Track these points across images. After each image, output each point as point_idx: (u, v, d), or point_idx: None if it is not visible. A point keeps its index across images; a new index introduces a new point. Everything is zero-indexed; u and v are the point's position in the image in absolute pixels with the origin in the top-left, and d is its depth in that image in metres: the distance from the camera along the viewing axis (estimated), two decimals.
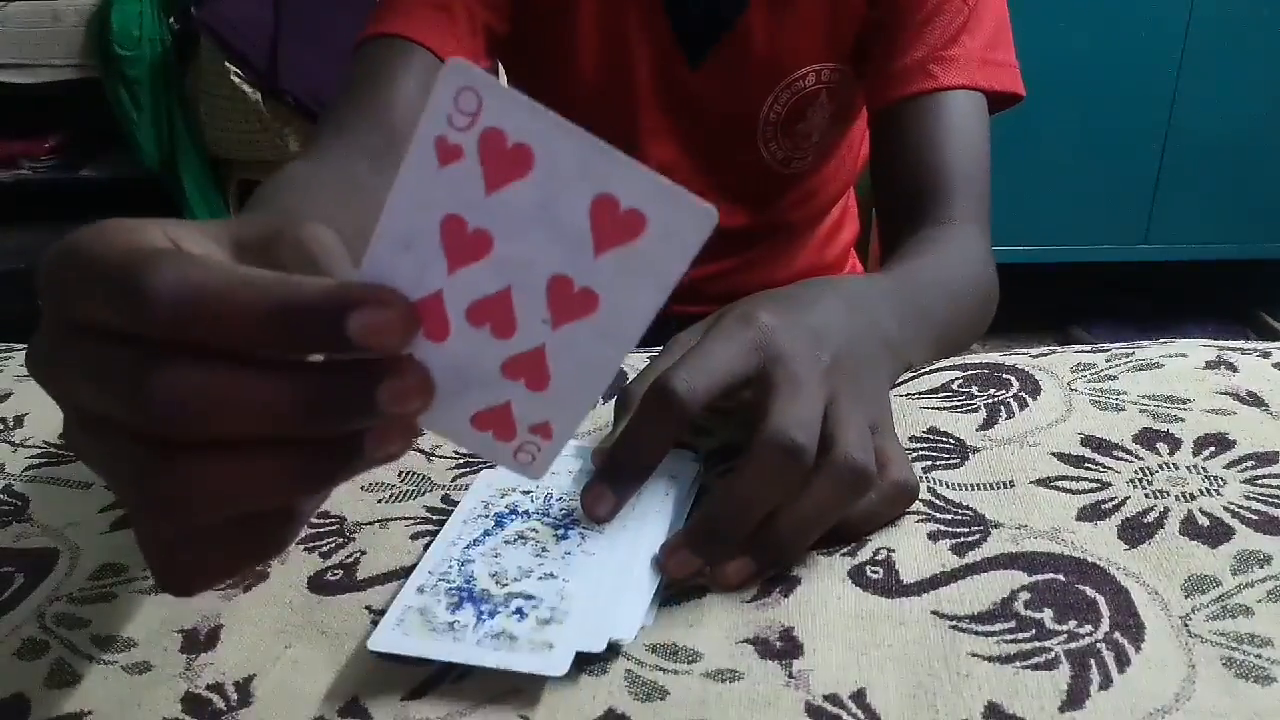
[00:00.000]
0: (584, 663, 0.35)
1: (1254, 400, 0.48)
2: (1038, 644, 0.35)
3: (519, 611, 0.36)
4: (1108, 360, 0.52)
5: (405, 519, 0.44)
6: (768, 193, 0.82)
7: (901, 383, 0.53)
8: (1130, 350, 0.53)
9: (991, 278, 0.67)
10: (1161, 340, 0.54)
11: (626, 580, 0.38)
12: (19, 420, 0.55)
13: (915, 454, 0.46)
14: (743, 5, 0.72)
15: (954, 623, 0.36)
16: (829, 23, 0.73)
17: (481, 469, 0.47)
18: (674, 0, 0.73)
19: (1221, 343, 0.53)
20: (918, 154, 0.68)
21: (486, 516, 0.42)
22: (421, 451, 0.49)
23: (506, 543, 0.41)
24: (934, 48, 0.69)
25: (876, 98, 0.72)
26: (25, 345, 0.65)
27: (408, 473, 0.48)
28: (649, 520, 0.42)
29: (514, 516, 0.42)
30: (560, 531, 0.41)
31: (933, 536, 0.41)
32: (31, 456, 0.51)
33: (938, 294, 0.58)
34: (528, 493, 0.44)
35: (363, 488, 0.47)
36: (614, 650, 0.36)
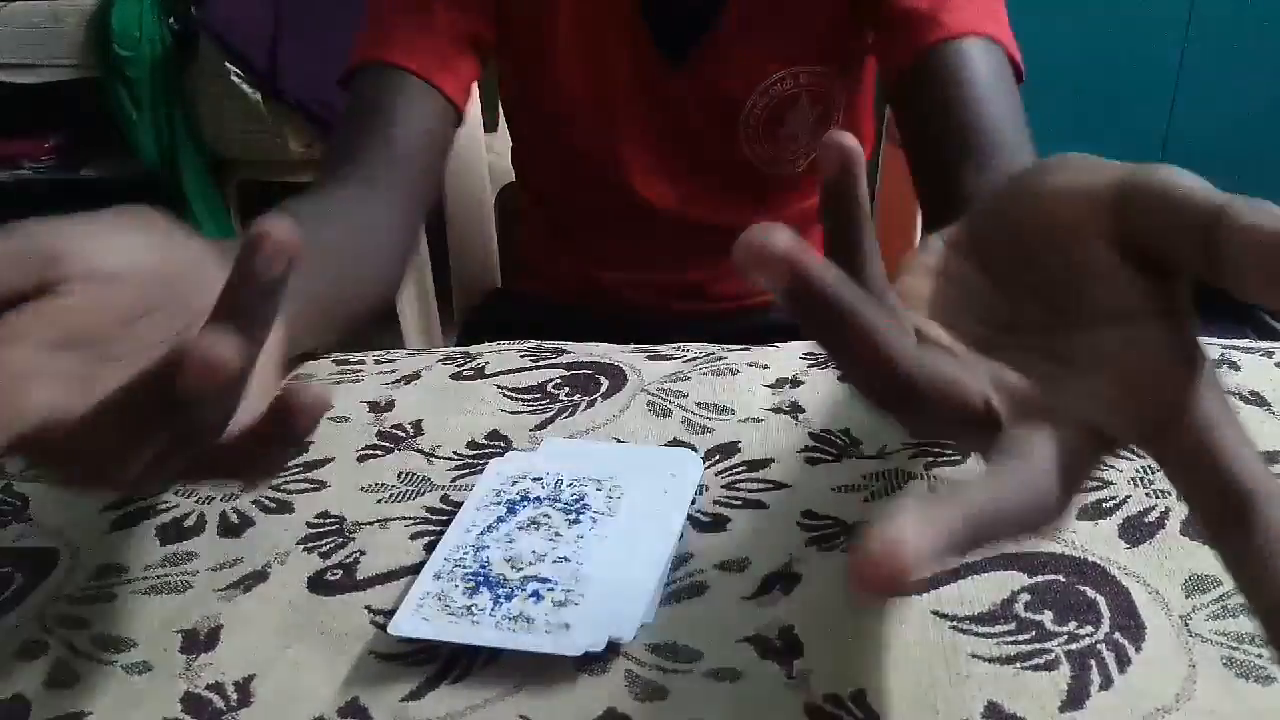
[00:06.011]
0: (584, 663, 0.35)
1: (1256, 400, 0.48)
2: (1038, 645, 0.35)
3: (535, 594, 0.37)
4: None
5: (405, 519, 0.44)
6: (760, 193, 0.81)
7: None
8: None
9: None
10: None
11: (626, 579, 0.38)
12: None
13: (916, 448, 0.46)
14: (719, 6, 0.72)
15: (954, 623, 0.36)
16: (806, 26, 0.73)
17: (486, 465, 0.47)
18: (651, 3, 0.73)
19: (1224, 342, 0.53)
20: (952, 101, 0.62)
21: (499, 503, 0.43)
22: (421, 452, 0.49)
23: (520, 528, 0.41)
24: (939, 2, 0.66)
25: (891, 65, 0.69)
26: None
27: (407, 473, 0.48)
28: (649, 519, 0.42)
29: (526, 502, 0.43)
30: (572, 516, 0.42)
31: None
32: None
33: None
34: (539, 479, 0.45)
35: (362, 488, 0.47)
36: (614, 650, 0.36)
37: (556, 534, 0.41)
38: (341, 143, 0.68)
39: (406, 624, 0.36)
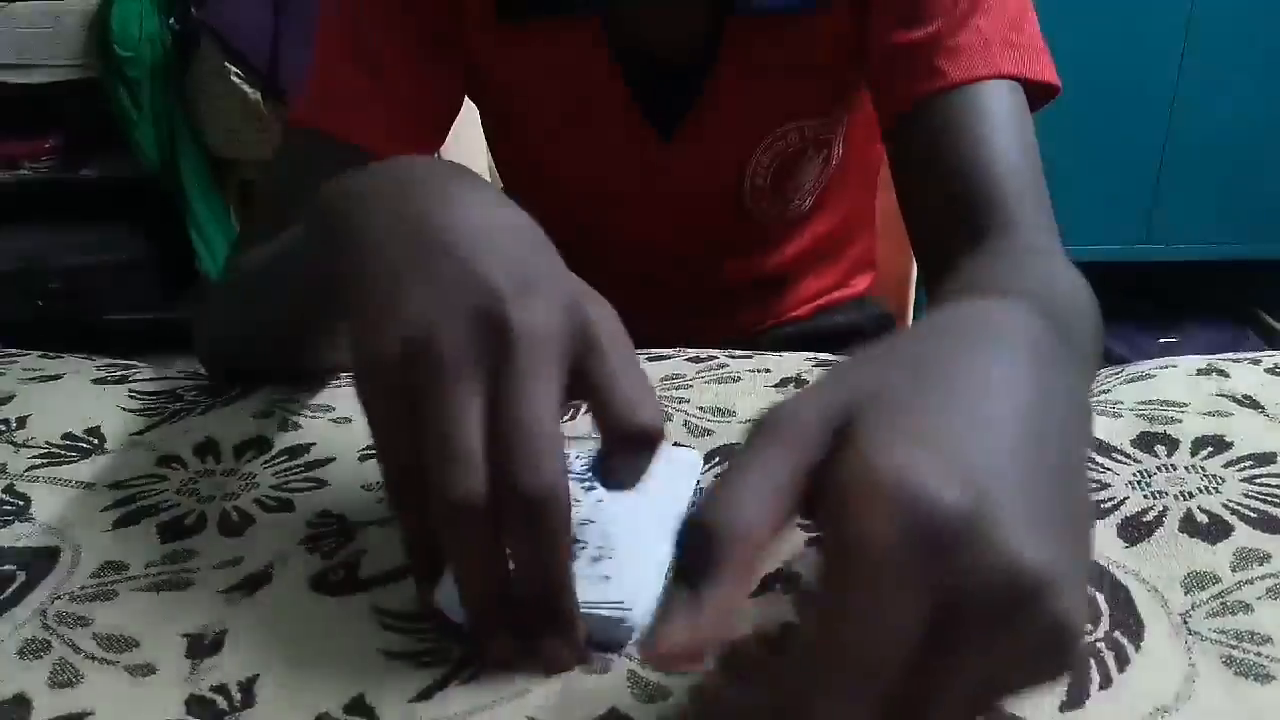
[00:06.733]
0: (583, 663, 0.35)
1: (1250, 403, 0.48)
2: None
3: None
4: (1099, 379, 0.52)
5: None
6: (761, 241, 0.78)
7: None
8: (1119, 369, 0.53)
9: (1097, 312, 0.48)
10: (1149, 359, 0.54)
11: (641, 554, 0.39)
12: (21, 421, 0.55)
13: None
14: (706, 72, 0.67)
15: None
16: (803, 79, 0.68)
17: None
18: (635, 76, 0.68)
19: (1210, 357, 0.53)
20: (946, 164, 0.57)
21: None
22: None
23: None
24: (939, 37, 0.59)
25: (886, 115, 0.62)
26: (27, 351, 0.64)
27: None
28: (649, 519, 0.42)
29: None
30: (587, 483, 0.43)
31: None
32: (34, 456, 0.51)
33: (1074, 315, 0.43)
34: None
35: (363, 487, 0.47)
36: (616, 650, 0.36)
37: (576, 500, 0.40)
38: (278, 213, 0.57)
39: (451, 596, 0.35)
